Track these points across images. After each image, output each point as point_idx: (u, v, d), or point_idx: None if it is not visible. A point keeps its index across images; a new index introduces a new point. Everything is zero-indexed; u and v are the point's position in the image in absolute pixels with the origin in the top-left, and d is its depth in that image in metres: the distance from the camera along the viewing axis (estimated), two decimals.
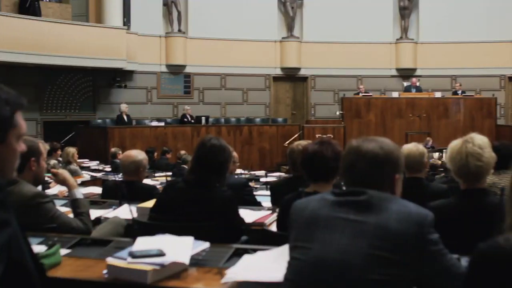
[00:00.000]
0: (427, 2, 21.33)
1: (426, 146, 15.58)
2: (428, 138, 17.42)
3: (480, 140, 3.42)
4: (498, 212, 1.88)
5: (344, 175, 2.49)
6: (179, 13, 20.40)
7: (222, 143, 4.13)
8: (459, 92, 19.62)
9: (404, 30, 21.63)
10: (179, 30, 20.44)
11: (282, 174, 12.57)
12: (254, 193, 6.26)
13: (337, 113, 19.33)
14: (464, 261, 2.54)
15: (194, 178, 4.01)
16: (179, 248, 3.03)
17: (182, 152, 14.02)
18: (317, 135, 16.36)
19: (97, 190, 6.82)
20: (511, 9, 21.09)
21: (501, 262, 1.72)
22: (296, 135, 18.04)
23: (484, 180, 3.50)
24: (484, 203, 3.35)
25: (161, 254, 2.89)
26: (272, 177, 10.39)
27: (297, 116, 21.56)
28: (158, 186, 6.63)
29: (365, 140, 2.48)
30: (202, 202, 3.87)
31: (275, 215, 4.46)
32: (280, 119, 20.70)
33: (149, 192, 5.27)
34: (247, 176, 11.01)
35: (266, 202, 5.65)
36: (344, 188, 2.46)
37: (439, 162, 11.99)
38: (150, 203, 4.25)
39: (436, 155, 14.83)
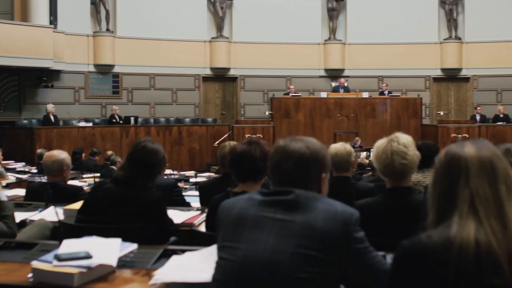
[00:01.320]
0: (355, 3, 21.62)
1: (354, 146, 15.83)
2: (356, 138, 17.67)
3: (404, 139, 3.48)
4: (422, 209, 1.91)
5: (271, 175, 2.50)
6: (107, 12, 20.12)
7: (155, 146, 4.10)
8: (386, 92, 19.96)
9: (332, 31, 21.88)
10: (107, 29, 20.16)
11: (212, 174, 12.54)
12: (184, 193, 6.25)
13: (267, 113, 19.42)
14: (390, 259, 2.59)
15: (122, 175, 3.96)
16: (106, 250, 2.99)
17: (109, 152, 13.84)
18: (246, 135, 16.39)
19: (22, 192, 6.65)
20: (436, 11, 21.62)
21: (424, 258, 1.76)
22: (226, 135, 18.04)
23: (409, 179, 3.57)
24: (408, 201, 3.41)
25: (88, 256, 2.85)
26: (202, 178, 10.36)
27: (226, 116, 21.55)
28: (85, 188, 6.54)
29: (292, 140, 2.50)
30: (130, 203, 3.83)
31: (204, 216, 4.44)
32: (209, 119, 20.67)
33: (75, 193, 5.19)
34: (176, 176, 10.95)
35: (195, 202, 5.64)
36: (271, 187, 2.47)
37: (367, 161, 12.19)
38: (77, 205, 4.17)
39: (363, 154, 15.08)
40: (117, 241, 3.11)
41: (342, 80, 20.27)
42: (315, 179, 2.47)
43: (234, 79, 21.68)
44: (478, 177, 1.79)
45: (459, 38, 21.57)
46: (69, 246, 3.00)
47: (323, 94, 19.63)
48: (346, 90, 19.99)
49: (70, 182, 5.92)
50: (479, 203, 1.76)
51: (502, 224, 1.73)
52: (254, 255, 2.27)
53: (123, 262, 3.02)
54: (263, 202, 2.39)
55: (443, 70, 21.73)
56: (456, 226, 1.75)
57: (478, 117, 19.42)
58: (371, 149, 3.83)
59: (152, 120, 20.17)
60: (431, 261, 1.74)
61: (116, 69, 20.30)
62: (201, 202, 5.42)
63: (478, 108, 19.97)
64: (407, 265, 1.80)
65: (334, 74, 21.61)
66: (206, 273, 2.50)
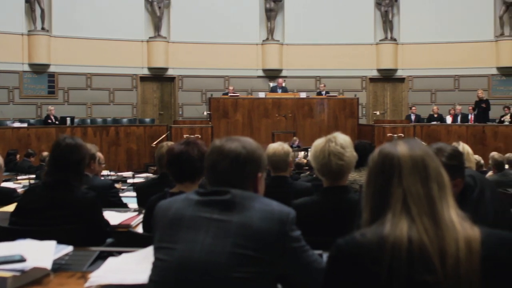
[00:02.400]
0: (292, 4, 21.77)
1: (292, 145, 15.92)
2: (294, 138, 17.77)
3: (342, 140, 3.52)
4: (358, 208, 1.94)
5: (208, 175, 2.49)
6: (42, 10, 19.76)
7: (77, 142, 4.03)
8: (323, 92, 20.13)
9: (270, 31, 21.98)
10: (43, 28, 19.80)
11: (150, 175, 12.45)
12: (121, 194, 6.18)
13: (205, 113, 19.38)
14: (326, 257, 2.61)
15: (52, 179, 3.89)
16: (40, 252, 2.93)
17: (45, 153, 13.58)
18: (184, 135, 16.33)
19: None
20: (372, 12, 21.93)
21: (357, 257, 1.78)
22: (164, 135, 17.94)
23: (346, 178, 3.61)
24: (345, 200, 3.45)
25: (21, 259, 2.78)
26: (140, 178, 10.27)
27: (164, 117, 21.44)
28: (20, 190, 6.41)
29: (228, 140, 2.50)
30: (64, 204, 3.77)
31: (141, 217, 4.41)
32: (147, 120, 20.53)
33: (8, 195, 5.09)
34: (113, 177, 10.82)
35: (133, 203, 5.59)
36: (208, 188, 2.47)
37: (305, 160, 12.27)
38: (10, 207, 4.09)
39: (301, 154, 15.18)
40: (52, 243, 3.05)
41: (280, 80, 20.36)
42: (251, 178, 2.48)
43: (172, 79, 21.58)
44: (411, 176, 1.82)
45: (395, 39, 21.95)
46: (2, 249, 2.93)
47: (261, 94, 19.68)
48: (284, 90, 20.08)
49: (4, 184, 5.80)
50: (411, 202, 1.78)
51: (434, 222, 1.77)
52: (190, 256, 2.26)
53: (58, 265, 2.97)
54: (199, 202, 2.38)
55: (379, 70, 22.08)
56: (389, 224, 1.77)
57: (413, 117, 19.78)
58: (309, 149, 3.86)
59: (88, 121, 19.92)
60: (365, 259, 1.76)
61: (51, 69, 19.97)
62: (138, 203, 5.37)
63: (413, 108, 20.34)
64: (341, 263, 1.82)
65: (272, 74, 21.72)
66: (142, 275, 2.48)
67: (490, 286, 1.75)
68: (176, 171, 3.80)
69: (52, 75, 20.04)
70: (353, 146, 3.65)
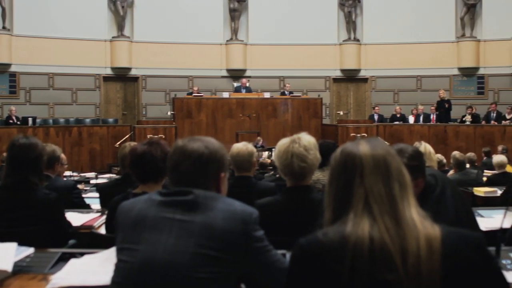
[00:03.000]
0: (256, 4, 21.78)
1: (256, 145, 15.93)
2: (258, 138, 17.78)
3: (306, 142, 3.53)
4: (321, 207, 1.95)
5: (170, 175, 2.49)
6: (3, 9, 19.48)
7: (32, 141, 4.00)
8: (287, 92, 20.19)
9: (234, 31, 21.97)
10: (4, 27, 19.52)
11: (113, 175, 12.35)
12: (84, 195, 6.14)
13: (169, 113, 19.29)
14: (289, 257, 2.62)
15: (11, 181, 3.85)
16: (1, 255, 2.90)
17: (5, 154, 13.40)
18: (148, 136, 16.22)
19: None
20: (335, 13, 22.05)
21: (320, 256, 1.79)
22: (127, 135, 17.81)
23: (309, 178, 3.62)
24: (308, 200, 3.47)
25: None
26: (103, 179, 10.19)
27: (128, 117, 21.29)
28: None
29: (191, 140, 2.50)
30: (26, 205, 3.73)
31: (104, 218, 4.38)
32: (111, 120, 20.37)
33: None
34: (76, 178, 10.73)
35: (96, 204, 5.55)
36: (171, 188, 2.46)
37: (269, 160, 12.30)
38: None
39: (265, 154, 15.19)
40: (13, 245, 3.02)
41: (244, 80, 20.36)
42: (214, 178, 2.48)
43: (135, 79, 21.44)
44: (372, 175, 1.83)
45: (358, 40, 22.09)
46: None
47: (225, 94, 19.66)
48: (248, 90, 20.09)
49: None
50: (373, 201, 1.80)
51: (395, 221, 1.78)
52: (153, 257, 2.26)
53: (19, 267, 2.94)
54: (162, 203, 2.38)
55: (342, 71, 22.19)
56: (351, 223, 1.78)
57: (376, 117, 19.93)
58: (273, 149, 3.87)
59: (51, 121, 19.69)
60: (327, 258, 1.77)
61: (13, 68, 19.70)
62: (101, 203, 5.33)
63: (376, 108, 20.50)
64: (303, 263, 1.82)
65: (236, 74, 21.70)
66: (105, 276, 2.46)
67: (451, 283, 1.77)
68: (139, 171, 3.78)
69: (13, 75, 19.77)
70: (317, 146, 3.67)
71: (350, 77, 22.30)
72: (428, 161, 4.16)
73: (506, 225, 3.85)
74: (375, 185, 1.82)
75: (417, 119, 19.51)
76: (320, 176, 4.95)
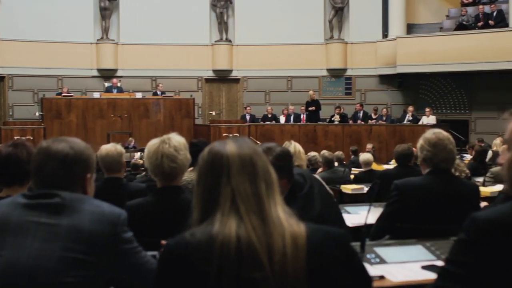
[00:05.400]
0: (128, 3, 21.49)
1: (128, 146, 15.76)
2: (130, 138, 17.59)
3: (176, 142, 3.51)
4: (190, 208, 1.95)
5: (34, 177, 2.41)
6: None
7: None
8: (160, 93, 20.09)
9: (105, 30, 21.59)
10: None
11: None
12: None
13: (37, 114, 18.74)
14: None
15: None
16: None
17: None
18: (15, 137, 15.72)
19: None
20: (207, 13, 22.10)
21: (187, 256, 1.78)
22: None
23: (180, 179, 3.62)
24: (178, 200, 3.46)
25: None
26: None
27: None
28: None
29: (55, 140, 2.44)
30: None
31: None
32: None
33: None
34: None
35: None
36: (35, 190, 2.39)
37: (141, 161, 12.16)
38: None
39: (137, 154, 15.03)
40: None
41: (115, 80, 20.07)
42: (79, 180, 2.43)
43: (1, 78, 20.65)
44: (239, 175, 1.84)
45: (230, 41, 22.25)
46: None
47: (96, 95, 19.34)
48: (120, 90, 19.84)
49: None
50: (240, 200, 1.81)
51: (262, 220, 1.80)
52: (17, 262, 2.19)
53: None
54: (27, 206, 2.30)
55: (214, 71, 22.28)
56: (218, 223, 1.79)
57: (248, 117, 20.15)
58: (145, 149, 3.83)
59: None
60: (195, 259, 1.77)
61: None
62: None
63: (248, 108, 20.72)
64: (171, 264, 1.82)
65: (107, 74, 21.32)
66: None
67: (316, 279, 1.81)
68: (4, 174, 3.64)
69: None
70: (190, 145, 3.67)
71: (222, 77, 22.43)
72: (297, 160, 4.25)
73: (371, 220, 4.00)
74: (242, 184, 1.83)
75: (288, 119, 19.90)
76: (193, 177, 4.94)
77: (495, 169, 8.27)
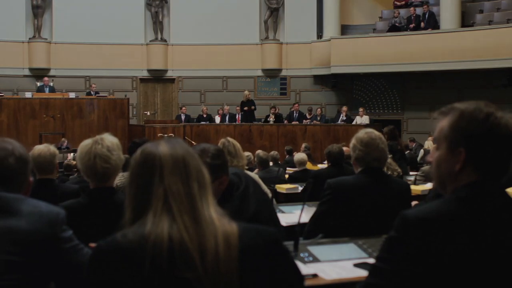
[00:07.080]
0: (61, 2, 21.18)
1: (61, 147, 15.52)
2: (63, 139, 17.34)
3: (109, 142, 3.48)
4: (123, 208, 1.94)
5: None
6: None
7: None
8: (93, 92, 19.86)
9: (38, 29, 21.23)
10: None
11: None
12: None
13: None
14: None
15: None
16: None
17: None
18: None
19: None
20: (142, 13, 21.95)
21: (119, 257, 1.78)
22: None
23: (113, 180, 3.58)
24: (111, 201, 3.43)
25: None
26: None
27: None
28: None
29: None
30: None
31: None
32: None
33: None
34: None
35: None
36: None
37: (74, 162, 11.99)
38: None
39: (71, 155, 14.81)
40: None
41: (47, 79, 19.74)
42: (17, 181, 2.38)
43: None
44: (172, 175, 1.84)
45: (165, 40, 22.15)
46: None
47: (28, 94, 18.98)
48: (52, 90, 19.52)
49: None
50: (172, 200, 1.81)
51: (194, 220, 1.81)
52: None
53: None
54: None
55: (149, 71, 22.16)
56: (150, 223, 1.79)
57: (183, 117, 20.10)
58: (77, 150, 3.79)
59: None
60: (126, 260, 1.76)
61: None
62: None
63: (183, 108, 20.68)
64: (102, 265, 1.80)
65: (39, 73, 20.95)
66: None
67: (249, 278, 1.83)
68: None
69: None
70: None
71: (157, 77, 22.32)
72: (240, 160, 4.28)
73: (305, 219, 4.05)
74: (175, 184, 1.83)
75: (223, 119, 19.93)
76: (123, 179, 4.92)
77: (426, 167, 8.46)
